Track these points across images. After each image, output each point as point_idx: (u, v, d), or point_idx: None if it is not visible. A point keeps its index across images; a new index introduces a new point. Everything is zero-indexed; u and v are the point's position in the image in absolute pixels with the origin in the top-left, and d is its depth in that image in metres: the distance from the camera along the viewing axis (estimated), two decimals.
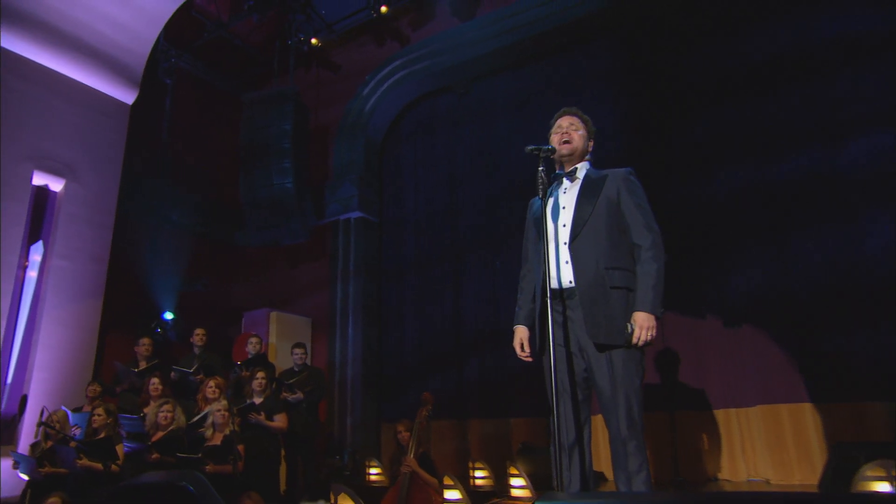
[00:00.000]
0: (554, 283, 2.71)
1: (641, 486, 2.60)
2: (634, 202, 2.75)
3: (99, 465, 5.04)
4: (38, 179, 6.30)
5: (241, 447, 5.40)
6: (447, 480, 4.22)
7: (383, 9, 7.90)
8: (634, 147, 7.02)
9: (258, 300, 8.26)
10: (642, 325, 2.53)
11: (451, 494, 4.15)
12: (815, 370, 5.65)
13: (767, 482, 5.55)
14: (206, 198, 8.76)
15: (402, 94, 8.87)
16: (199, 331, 6.80)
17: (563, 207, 2.83)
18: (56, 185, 6.46)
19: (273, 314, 7.83)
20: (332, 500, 3.10)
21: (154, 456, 5.27)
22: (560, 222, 2.79)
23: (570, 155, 2.88)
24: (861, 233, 5.71)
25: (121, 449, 5.33)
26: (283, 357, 7.34)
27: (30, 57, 6.16)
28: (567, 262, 2.74)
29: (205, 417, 5.68)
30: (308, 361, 6.91)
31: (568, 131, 2.92)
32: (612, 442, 2.65)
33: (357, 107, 8.87)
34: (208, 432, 5.51)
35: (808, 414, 5.55)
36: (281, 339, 7.68)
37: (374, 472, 6.72)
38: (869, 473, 3.41)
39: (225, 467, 5.20)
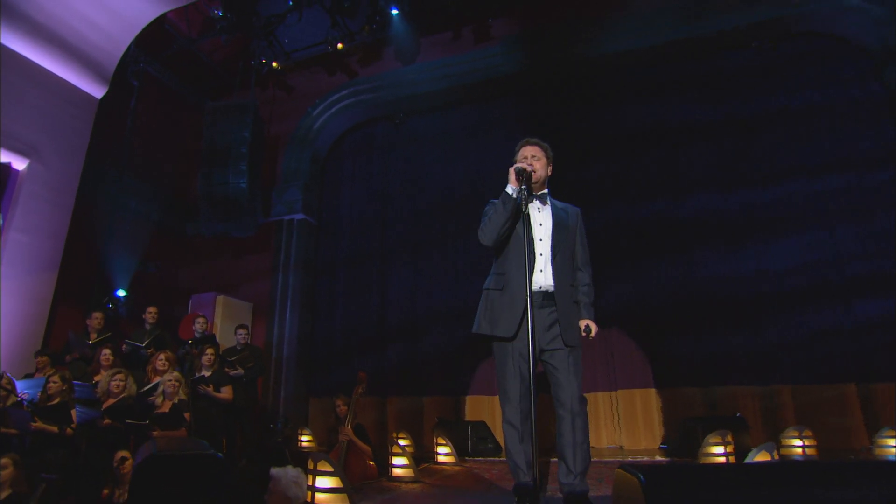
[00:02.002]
0: (532, 284, 2.66)
1: (584, 454, 2.65)
2: (585, 239, 2.91)
3: (54, 429, 4.57)
4: (3, 157, 5.62)
5: (187, 415, 5.12)
6: (395, 448, 4.15)
7: (339, 45, 7.83)
8: None
9: (205, 285, 7.81)
10: (594, 328, 2.74)
11: (399, 461, 4.09)
12: (660, 363, 6.27)
13: (621, 448, 6.06)
14: (162, 190, 8.15)
15: (346, 118, 8.79)
16: (151, 308, 6.34)
17: (540, 224, 2.82)
18: (20, 164, 5.78)
19: (219, 298, 7.43)
20: (312, 467, 3.02)
21: (105, 421, 4.87)
22: (536, 236, 2.79)
23: (535, 182, 2.83)
24: (695, 264, 6.43)
25: (74, 414, 4.87)
26: (226, 336, 7.00)
27: (7, 44, 5.51)
28: (542, 271, 2.76)
29: (156, 387, 5.32)
30: (249, 341, 6.65)
31: (531, 162, 2.84)
32: (562, 419, 2.68)
33: (306, 124, 8.67)
34: (158, 400, 5.16)
35: (653, 397, 6.13)
36: (225, 321, 7.30)
37: (306, 440, 6.58)
38: (711, 440, 3.86)
39: (172, 432, 4.91)
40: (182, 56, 7.96)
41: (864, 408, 5.60)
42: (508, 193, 2.70)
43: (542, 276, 2.75)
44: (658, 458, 5.04)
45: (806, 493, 1.23)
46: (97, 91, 6.61)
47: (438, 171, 8.09)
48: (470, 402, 6.93)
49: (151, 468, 1.71)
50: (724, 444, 3.77)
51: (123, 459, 4.33)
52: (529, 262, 2.49)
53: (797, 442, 4.60)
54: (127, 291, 6.98)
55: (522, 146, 2.93)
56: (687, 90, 7.00)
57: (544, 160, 2.90)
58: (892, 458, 4.66)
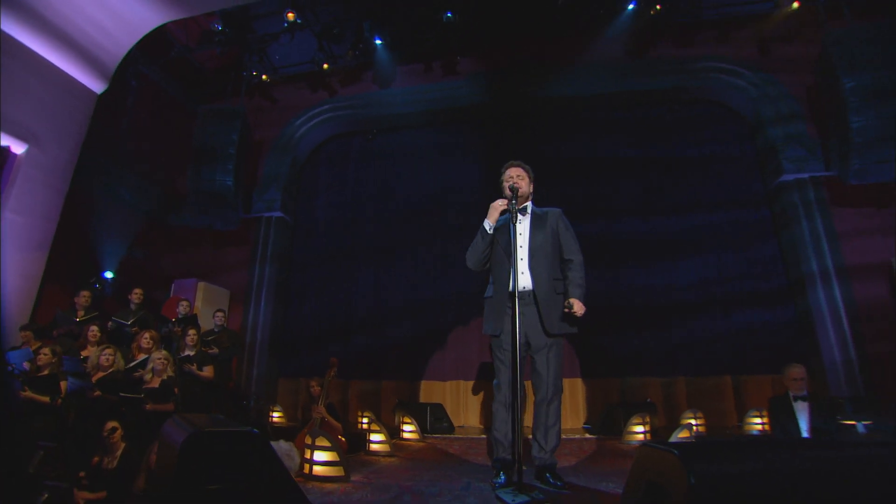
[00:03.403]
0: (511, 287, 2.74)
1: (555, 435, 2.75)
2: (570, 233, 2.94)
3: (45, 399, 4.36)
4: (3, 140, 5.28)
5: (176, 390, 5.01)
6: (374, 426, 4.19)
7: (325, 66, 7.86)
8: (490, 199, 7.74)
9: (186, 271, 7.55)
10: (580, 306, 2.71)
11: (376, 437, 4.12)
12: (586, 357, 6.69)
13: None
14: (152, 183, 7.80)
15: (325, 130, 8.77)
16: (137, 290, 6.08)
17: (520, 234, 2.89)
18: (18, 148, 5.44)
19: (201, 284, 7.21)
20: (311, 442, 3.04)
21: (96, 393, 4.69)
22: (518, 244, 2.85)
23: (520, 196, 2.89)
24: (619, 277, 6.90)
25: (64, 386, 4.65)
26: (206, 320, 6.82)
27: (14, 36, 5.18)
28: (523, 273, 2.82)
29: (144, 363, 5.16)
30: (225, 324, 6.54)
31: (516, 181, 2.92)
32: (538, 404, 2.76)
33: (289, 133, 8.59)
34: (147, 376, 5.01)
35: (579, 385, 6.55)
36: (205, 305, 7.10)
37: (277, 416, 6.52)
38: (634, 421, 4.24)
39: (163, 406, 4.80)
40: (178, 62, 7.70)
41: (736, 395, 6.28)
42: (485, 229, 2.81)
43: (524, 278, 2.81)
44: (587, 436, 5.37)
45: (825, 457, 1.24)
46: (97, 87, 6.31)
47: (405, 183, 8.25)
48: (424, 386, 7.10)
49: (197, 445, 1.55)
50: (643, 423, 4.16)
51: (114, 429, 4.20)
52: (514, 268, 2.61)
53: (693, 421, 5.12)
54: (114, 273, 6.66)
55: (508, 167, 3.03)
56: (618, 133, 7.57)
57: (527, 178, 3.00)
58: (757, 433, 5.29)
